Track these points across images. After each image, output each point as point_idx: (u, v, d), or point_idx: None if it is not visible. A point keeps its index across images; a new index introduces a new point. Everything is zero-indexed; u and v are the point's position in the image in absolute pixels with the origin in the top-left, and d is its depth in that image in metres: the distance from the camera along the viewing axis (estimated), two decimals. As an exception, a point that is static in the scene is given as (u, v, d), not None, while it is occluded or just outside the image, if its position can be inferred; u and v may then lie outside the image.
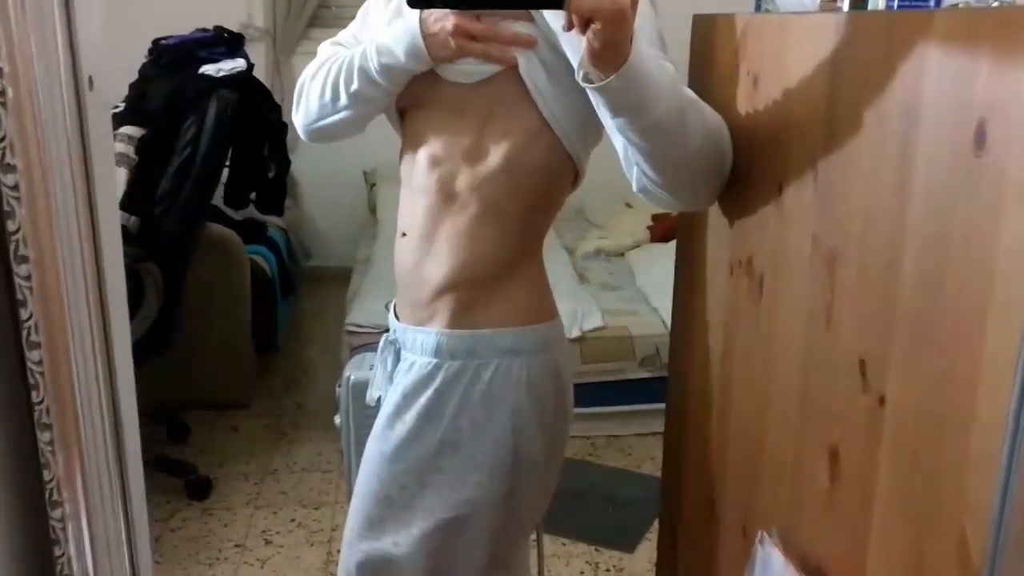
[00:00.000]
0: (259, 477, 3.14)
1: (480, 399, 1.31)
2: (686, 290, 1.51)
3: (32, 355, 0.59)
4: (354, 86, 1.31)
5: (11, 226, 0.56)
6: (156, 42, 2.98)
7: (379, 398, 1.48)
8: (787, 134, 1.08)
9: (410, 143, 1.36)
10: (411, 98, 1.34)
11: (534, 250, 1.37)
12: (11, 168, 0.55)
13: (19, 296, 0.58)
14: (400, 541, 1.35)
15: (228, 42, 2.94)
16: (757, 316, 1.19)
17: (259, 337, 3.69)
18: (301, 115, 1.43)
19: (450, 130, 1.29)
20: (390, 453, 1.35)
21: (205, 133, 2.76)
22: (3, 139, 0.55)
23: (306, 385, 3.94)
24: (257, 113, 2.99)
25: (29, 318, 0.58)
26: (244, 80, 2.89)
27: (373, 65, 1.27)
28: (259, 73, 3.16)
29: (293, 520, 2.89)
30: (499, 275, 1.32)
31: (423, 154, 1.33)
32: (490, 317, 1.32)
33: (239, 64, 2.85)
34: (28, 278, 0.57)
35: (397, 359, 1.42)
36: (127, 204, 2.74)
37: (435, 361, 1.32)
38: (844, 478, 0.96)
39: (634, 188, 1.22)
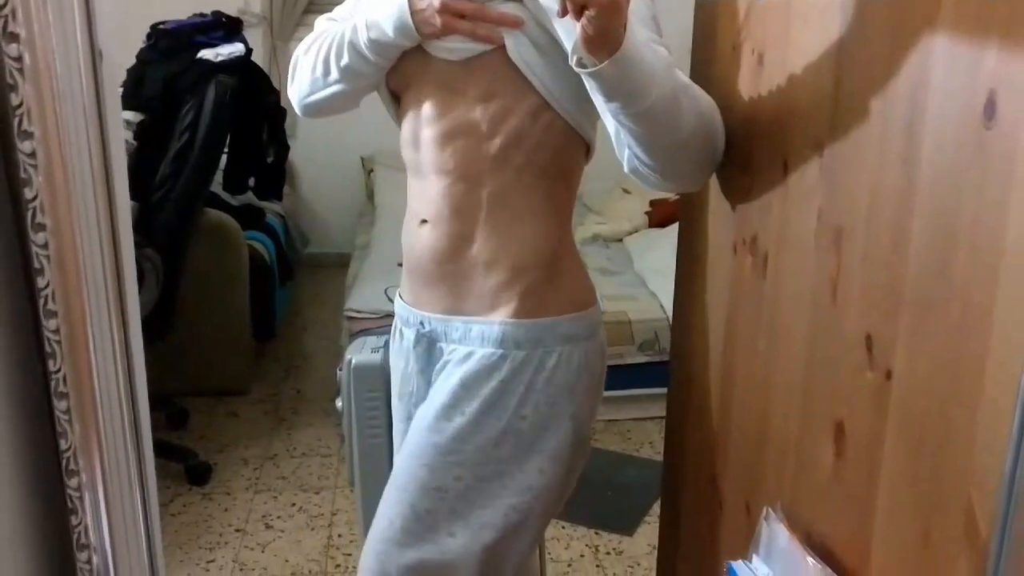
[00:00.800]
0: (259, 462, 3.15)
1: (544, 387, 1.32)
2: (689, 269, 1.51)
3: (49, 324, 0.59)
4: (344, 60, 1.33)
5: (28, 194, 0.56)
6: (154, 27, 2.96)
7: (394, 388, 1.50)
8: (793, 112, 1.08)
9: (412, 125, 1.35)
10: (404, 78, 1.35)
11: (568, 232, 1.37)
12: (28, 135, 0.55)
13: (36, 265, 0.58)
14: (456, 532, 1.33)
15: (226, 27, 2.93)
16: (761, 294, 1.19)
17: (257, 323, 3.69)
18: (295, 89, 1.44)
19: (453, 108, 1.29)
20: (445, 444, 1.33)
21: (203, 118, 2.75)
22: (20, 105, 0.55)
23: (305, 371, 3.94)
24: (255, 98, 2.98)
25: (46, 286, 0.58)
26: (242, 65, 2.88)
27: (363, 40, 1.29)
28: (256, 59, 3.14)
29: (293, 504, 2.90)
30: (547, 259, 1.33)
31: (429, 134, 1.32)
32: (550, 305, 1.33)
33: (237, 49, 2.84)
34: (45, 246, 0.57)
35: (428, 351, 1.40)
36: (126, 189, 2.73)
37: (499, 351, 1.31)
38: (850, 454, 0.96)
39: (625, 169, 1.23)
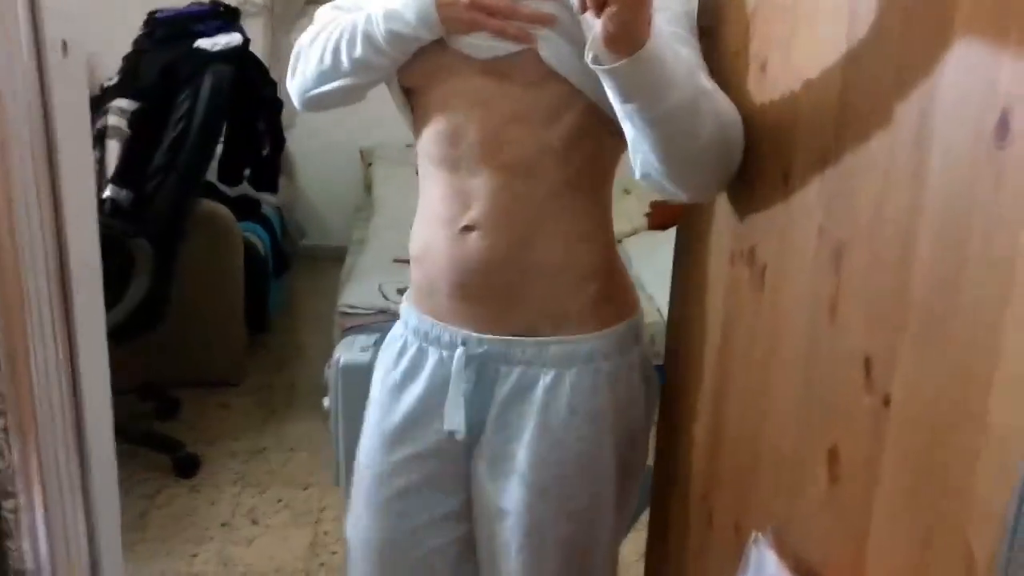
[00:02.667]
0: (247, 456, 3.12)
1: (636, 392, 1.35)
2: (685, 280, 1.47)
3: (-15, 339, 0.56)
4: (357, 52, 1.23)
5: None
6: (151, 15, 2.94)
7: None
8: (795, 122, 1.04)
9: (449, 120, 1.25)
10: (425, 72, 1.26)
11: (612, 225, 1.34)
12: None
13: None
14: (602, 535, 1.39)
15: (224, 16, 2.90)
16: (758, 309, 1.15)
17: (251, 315, 3.67)
18: (297, 82, 1.34)
19: (502, 98, 1.21)
20: (574, 475, 1.32)
21: (199, 107, 2.71)
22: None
23: (297, 365, 3.91)
24: (252, 89, 2.95)
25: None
26: (240, 55, 2.85)
27: (380, 31, 1.20)
28: (256, 49, 3.11)
29: (280, 500, 2.87)
30: (608, 261, 1.31)
31: (479, 127, 1.22)
32: (622, 309, 1.33)
33: (235, 39, 2.81)
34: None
35: (480, 374, 1.29)
36: (120, 178, 2.70)
37: (591, 366, 1.28)
38: (844, 480, 0.92)
39: (637, 175, 1.16)
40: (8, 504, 0.58)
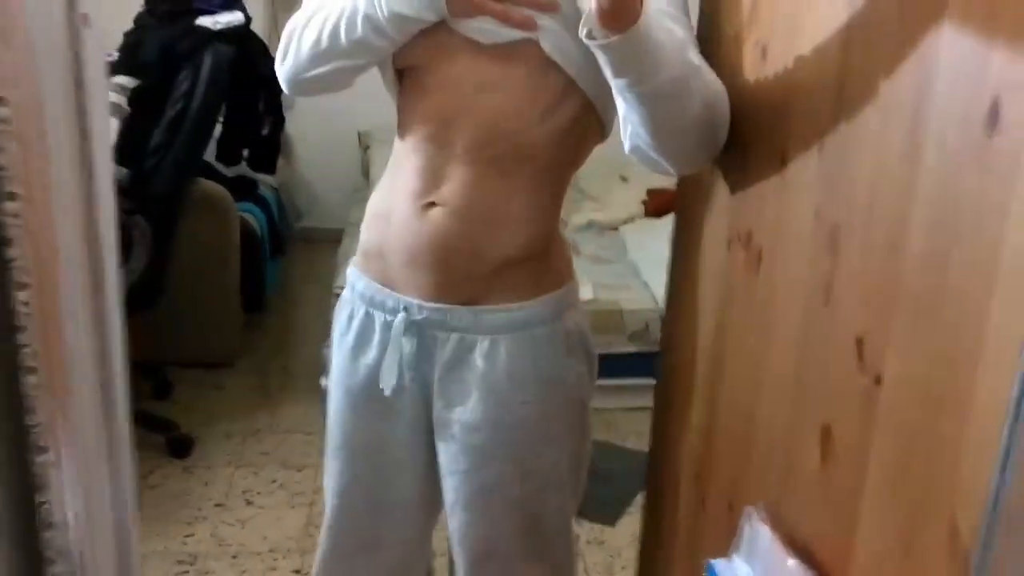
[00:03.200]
0: (242, 437, 3.13)
1: (573, 351, 1.37)
2: (683, 262, 1.50)
3: (20, 295, 0.57)
4: (357, 33, 1.22)
5: (2, 160, 0.54)
6: (152, -8, 2.93)
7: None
8: (794, 105, 1.07)
9: (440, 102, 1.27)
10: (422, 54, 1.27)
11: (559, 212, 1.37)
12: (2, 101, 0.53)
13: (7, 235, 0.56)
14: (551, 497, 1.44)
15: (226, -6, 2.90)
16: (754, 291, 1.18)
17: (247, 296, 3.67)
18: (289, 64, 1.33)
19: (501, 88, 1.24)
20: (523, 434, 1.36)
21: (199, 86, 2.72)
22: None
23: (293, 346, 3.93)
24: (253, 68, 2.95)
25: (17, 257, 0.57)
26: (241, 34, 2.85)
27: (382, 12, 1.19)
28: (256, 29, 3.11)
29: (275, 481, 2.88)
30: (551, 235, 1.34)
31: (471, 108, 1.25)
32: (557, 277, 1.36)
33: (236, 17, 2.81)
34: (17, 216, 0.55)
35: (421, 339, 1.34)
36: (118, 156, 2.70)
37: (527, 332, 1.32)
38: (836, 457, 0.95)
39: (627, 147, 1.21)
40: (40, 459, 0.60)
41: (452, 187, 1.27)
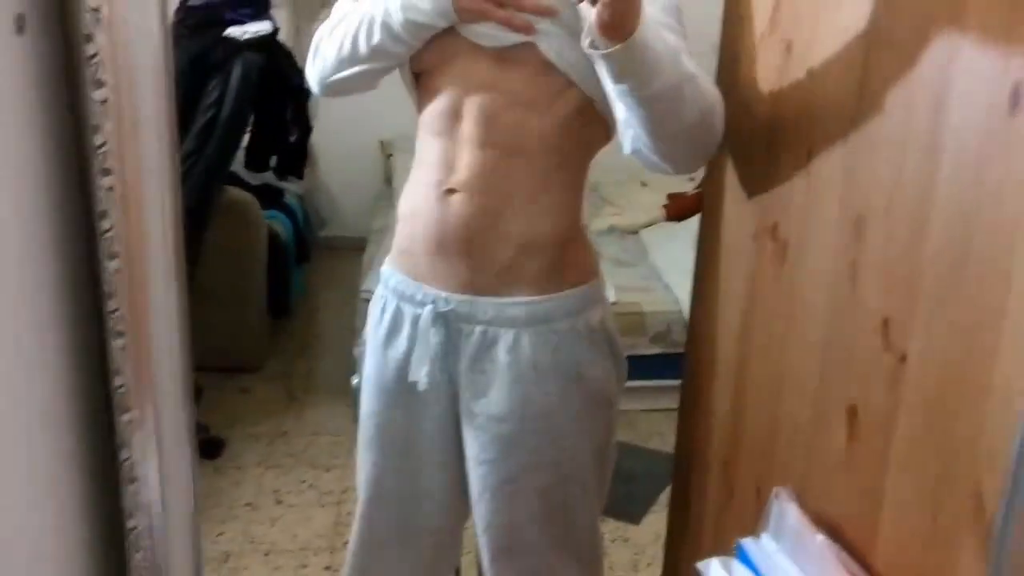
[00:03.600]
0: (270, 439, 3.17)
1: (598, 347, 1.41)
2: (710, 256, 1.53)
3: (110, 265, 0.62)
4: (375, 40, 1.33)
5: (98, 140, 0.59)
6: (183, 2, 2.98)
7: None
8: (819, 101, 1.10)
9: (452, 96, 1.34)
10: (435, 58, 1.36)
11: (583, 202, 1.42)
12: (101, 83, 0.57)
13: (101, 207, 0.61)
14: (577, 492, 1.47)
15: (255, 4, 2.95)
16: (780, 281, 1.21)
17: (273, 301, 3.71)
18: (317, 69, 1.45)
19: (507, 82, 1.31)
20: (544, 426, 1.40)
21: (229, 95, 2.77)
22: (96, 55, 0.57)
23: (318, 350, 3.97)
24: (281, 77, 3.00)
25: (110, 229, 0.61)
26: (269, 43, 2.90)
27: (396, 19, 1.30)
28: (281, 39, 3.17)
29: (304, 481, 2.92)
30: (572, 230, 1.38)
31: (479, 104, 1.32)
32: (580, 271, 1.40)
33: (265, 27, 2.86)
34: (111, 189, 0.60)
35: (448, 331, 1.39)
36: (150, 163, 2.76)
37: (549, 326, 1.36)
38: (862, 436, 0.98)
39: (627, 149, 1.27)
40: (124, 418, 0.64)
41: (467, 172, 1.33)
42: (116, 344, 0.63)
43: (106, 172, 0.59)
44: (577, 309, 1.38)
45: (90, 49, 0.56)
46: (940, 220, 0.85)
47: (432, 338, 1.38)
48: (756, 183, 1.30)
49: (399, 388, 1.44)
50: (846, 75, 1.03)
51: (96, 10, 0.55)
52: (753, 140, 1.27)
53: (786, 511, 1.05)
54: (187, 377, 0.67)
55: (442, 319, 1.38)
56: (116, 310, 0.63)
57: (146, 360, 0.63)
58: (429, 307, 1.38)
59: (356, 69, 1.38)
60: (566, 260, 1.38)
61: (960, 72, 0.82)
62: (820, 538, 0.98)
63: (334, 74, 1.41)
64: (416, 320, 1.40)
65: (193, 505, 0.68)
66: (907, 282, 0.89)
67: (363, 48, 1.35)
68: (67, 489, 0.66)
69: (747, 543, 1.10)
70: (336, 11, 1.44)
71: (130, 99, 0.58)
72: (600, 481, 1.48)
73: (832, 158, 1.06)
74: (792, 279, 1.18)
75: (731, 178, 1.39)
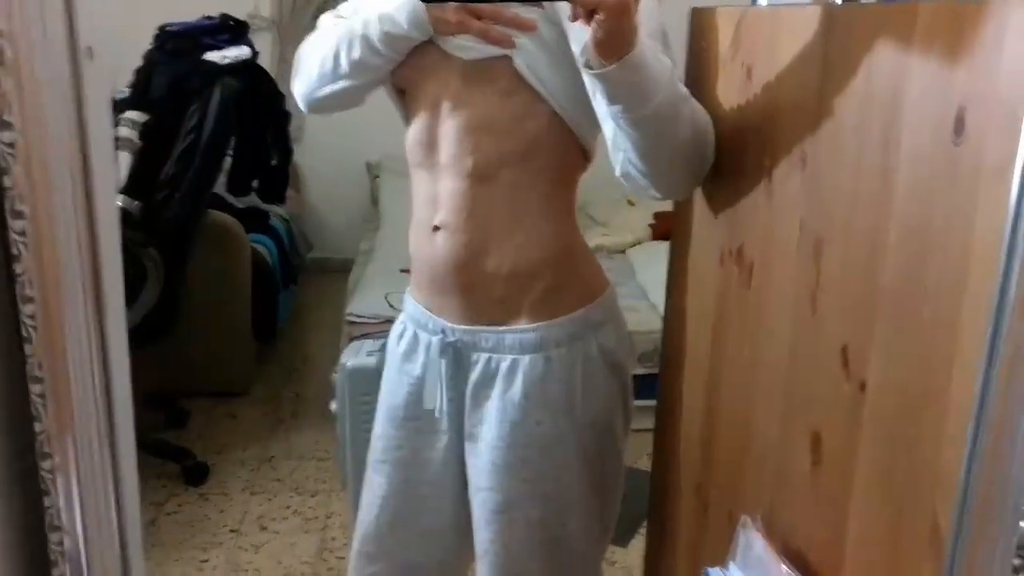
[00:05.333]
0: (255, 464, 3.16)
1: (595, 375, 1.38)
2: (679, 279, 1.53)
3: (26, 309, 0.61)
4: (355, 54, 1.32)
5: (7, 182, 0.58)
6: (162, 28, 2.99)
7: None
8: (777, 123, 1.10)
9: (426, 121, 1.34)
10: (414, 72, 1.34)
11: (576, 227, 1.40)
12: (7, 125, 0.56)
13: (14, 251, 0.60)
14: (571, 521, 1.44)
15: (233, 30, 2.96)
16: (746, 304, 1.20)
17: (259, 326, 3.71)
18: (302, 84, 1.43)
19: (473, 103, 1.29)
20: (536, 455, 1.37)
21: (208, 119, 2.77)
22: (1, 97, 0.56)
23: (305, 374, 3.96)
24: (261, 101, 3.01)
25: (23, 273, 0.60)
26: (248, 68, 2.90)
27: (375, 33, 1.29)
28: (264, 63, 3.18)
29: (288, 507, 2.91)
30: (562, 256, 1.36)
31: (448, 129, 1.31)
32: (575, 297, 1.37)
33: (243, 52, 2.87)
34: (23, 233, 0.59)
35: (456, 360, 1.39)
36: (130, 188, 2.75)
37: (543, 355, 1.34)
38: (825, 462, 0.97)
39: (617, 172, 1.26)
40: (46, 464, 0.63)
41: (447, 207, 1.33)
42: (34, 390, 0.62)
43: (17, 215, 0.58)
44: (571, 336, 1.35)
45: (-8, 93, 0.55)
46: (895, 244, 0.84)
47: (438, 367, 1.39)
48: (722, 204, 1.30)
49: (409, 413, 1.45)
50: (802, 99, 1.02)
51: (-2, 53, 0.55)
52: (719, 161, 1.26)
53: (752, 540, 1.03)
54: (122, 417, 0.66)
55: (450, 348, 1.39)
56: (32, 355, 0.62)
57: (66, 405, 0.62)
58: (439, 336, 1.39)
59: (339, 85, 1.37)
60: (560, 286, 1.36)
61: (909, 95, 0.82)
62: (784, 569, 0.97)
63: (318, 90, 1.40)
64: (428, 347, 1.42)
65: (119, 551, 0.67)
66: (864, 307, 0.89)
67: (344, 63, 1.34)
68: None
69: (715, 573, 1.08)
70: (320, 25, 1.43)
71: (40, 140, 0.57)
72: (601, 510, 1.46)
73: (792, 180, 1.06)
74: (757, 303, 1.17)
75: (699, 198, 1.38)
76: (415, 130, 1.36)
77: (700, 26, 1.33)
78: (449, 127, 1.31)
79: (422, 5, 1.22)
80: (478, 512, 1.42)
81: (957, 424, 0.73)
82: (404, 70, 1.35)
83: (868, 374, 0.88)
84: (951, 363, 0.75)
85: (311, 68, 1.39)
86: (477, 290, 1.35)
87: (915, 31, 0.80)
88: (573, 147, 1.33)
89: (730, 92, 1.24)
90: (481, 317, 1.36)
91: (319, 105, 1.44)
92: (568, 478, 1.38)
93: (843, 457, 0.93)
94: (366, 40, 1.30)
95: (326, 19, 1.43)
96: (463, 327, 1.37)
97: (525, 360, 1.34)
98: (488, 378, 1.37)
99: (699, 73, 1.33)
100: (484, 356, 1.36)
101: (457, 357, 1.39)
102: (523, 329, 1.34)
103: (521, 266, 1.33)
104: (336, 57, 1.34)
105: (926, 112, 0.79)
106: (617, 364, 1.40)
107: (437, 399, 1.40)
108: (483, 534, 1.41)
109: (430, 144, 1.34)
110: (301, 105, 1.46)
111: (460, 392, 1.40)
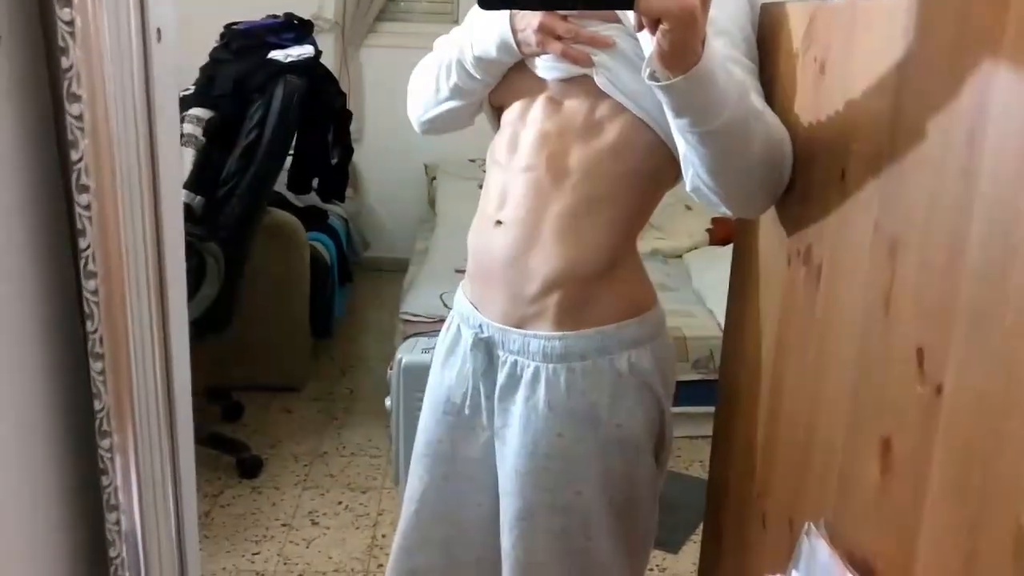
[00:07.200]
0: (309, 459, 3.18)
1: (625, 391, 1.35)
2: (742, 281, 1.49)
3: (88, 284, 0.60)
4: (453, 79, 1.39)
5: (74, 155, 0.58)
6: (227, 27, 3.03)
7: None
8: (853, 122, 1.06)
9: (513, 128, 1.38)
10: (508, 92, 1.39)
11: (632, 240, 1.38)
12: (77, 98, 0.56)
13: (79, 226, 0.60)
14: (594, 535, 1.40)
15: (297, 28, 2.99)
16: (813, 306, 1.17)
17: (315, 322, 3.74)
18: (412, 108, 1.51)
19: (557, 113, 1.32)
20: (555, 465, 1.36)
21: (271, 117, 2.80)
22: (70, 68, 0.56)
23: (359, 371, 3.98)
24: (323, 100, 3.03)
25: (87, 248, 0.60)
26: (311, 66, 2.93)
27: (468, 58, 1.35)
28: (327, 63, 3.19)
29: (340, 503, 2.92)
30: (604, 268, 1.33)
31: (531, 134, 1.34)
32: (609, 311, 1.34)
33: (307, 50, 2.89)
34: (88, 208, 0.59)
35: (487, 356, 1.40)
36: (193, 184, 2.79)
37: (565, 365, 1.33)
38: (896, 470, 0.94)
39: (688, 187, 1.23)
40: (104, 443, 0.63)
41: (512, 203, 1.35)
42: (95, 367, 0.62)
43: (83, 189, 0.58)
44: (600, 349, 1.33)
45: (65, 62, 0.55)
46: (977, 246, 0.81)
47: (470, 362, 1.41)
48: (790, 205, 1.26)
49: (449, 407, 1.46)
50: (880, 97, 0.99)
51: (70, 23, 0.54)
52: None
53: (816, 548, 1.00)
54: (182, 401, 0.66)
55: (483, 344, 1.39)
56: (95, 331, 0.61)
57: (127, 384, 0.62)
58: (475, 330, 1.40)
59: (444, 107, 1.44)
60: (592, 298, 1.33)
61: (997, 95, 0.78)
62: (851, 577, 0.94)
63: (426, 113, 1.48)
64: (467, 342, 1.43)
65: (174, 534, 0.66)
66: (942, 310, 0.85)
67: (444, 87, 1.41)
68: (46, 515, 0.65)
69: (776, 580, 1.05)
70: (435, 47, 1.49)
71: (106, 114, 0.57)
72: (629, 531, 1.41)
73: (866, 181, 1.02)
74: (825, 304, 1.14)
75: (766, 201, 1.35)
76: (501, 136, 1.41)
77: (770, 22, 1.30)
78: (531, 132, 1.34)
79: (509, 30, 1.27)
80: (503, 514, 1.42)
81: (1043, 431, 0.70)
82: (499, 91, 1.41)
83: (945, 377, 0.85)
84: (1036, 367, 0.71)
85: (419, 92, 1.48)
86: (516, 289, 1.35)
87: (1005, 22, 0.76)
88: (664, 156, 1.30)
89: (802, 87, 1.20)
90: (512, 315, 1.36)
91: (429, 127, 1.51)
92: (589, 493, 1.35)
93: (915, 464, 0.89)
94: (461, 65, 1.37)
95: (440, 42, 1.47)
96: (497, 324, 1.38)
97: (548, 369, 1.33)
98: (514, 382, 1.37)
99: (769, 70, 1.30)
100: (511, 359, 1.36)
101: (489, 354, 1.39)
102: (548, 336, 1.33)
103: (558, 270, 1.32)
104: (438, 82, 1.42)
105: (1013, 112, 0.75)
106: (649, 386, 1.36)
107: (461, 389, 1.42)
108: (507, 536, 1.41)
109: (512, 146, 1.37)
110: (416, 127, 1.53)
111: (491, 392, 1.41)
